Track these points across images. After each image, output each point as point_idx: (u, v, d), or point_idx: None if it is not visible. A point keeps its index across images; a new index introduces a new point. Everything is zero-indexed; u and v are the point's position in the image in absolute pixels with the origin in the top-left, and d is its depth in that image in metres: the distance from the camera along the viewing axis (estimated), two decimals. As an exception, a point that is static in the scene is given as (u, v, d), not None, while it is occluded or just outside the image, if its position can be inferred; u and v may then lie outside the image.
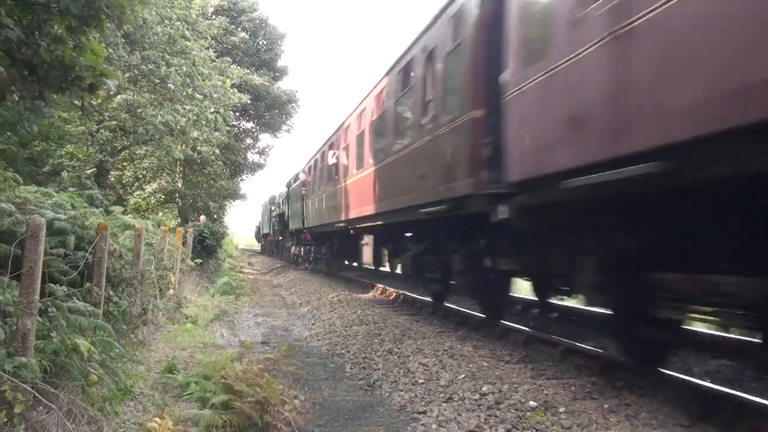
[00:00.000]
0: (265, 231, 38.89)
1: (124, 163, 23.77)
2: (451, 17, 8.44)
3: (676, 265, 4.83)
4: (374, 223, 13.05)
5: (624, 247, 5.32)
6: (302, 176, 24.30)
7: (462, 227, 8.83)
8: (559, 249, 6.52)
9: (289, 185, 28.98)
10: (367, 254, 16.03)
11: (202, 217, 22.84)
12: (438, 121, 8.76)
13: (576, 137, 5.18)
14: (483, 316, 9.64)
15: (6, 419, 3.52)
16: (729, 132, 3.52)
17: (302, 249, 26.75)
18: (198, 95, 18.07)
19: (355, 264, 19.87)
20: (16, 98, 5.99)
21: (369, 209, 12.99)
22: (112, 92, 15.75)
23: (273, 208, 35.38)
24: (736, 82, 3.48)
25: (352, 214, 14.84)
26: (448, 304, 11.22)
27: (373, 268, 18.30)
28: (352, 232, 16.57)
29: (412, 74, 10.39)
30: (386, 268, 18.03)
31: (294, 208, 26.05)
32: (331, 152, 18.03)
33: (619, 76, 4.54)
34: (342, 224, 16.24)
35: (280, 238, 33.56)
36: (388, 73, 12.05)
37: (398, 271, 15.18)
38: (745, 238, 4.16)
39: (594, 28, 4.84)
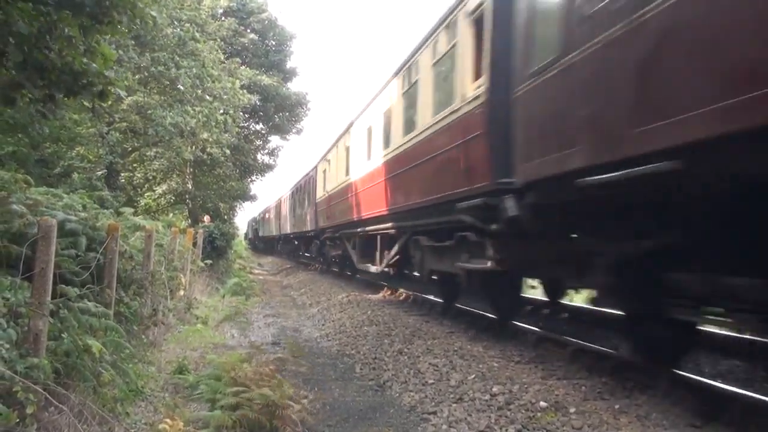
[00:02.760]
0: (250, 236, 67.87)
1: (135, 165, 23.83)
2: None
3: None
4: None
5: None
6: (264, 214, 52.37)
7: None
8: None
9: (259, 214, 58.19)
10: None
11: (207, 218, 22.88)
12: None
13: None
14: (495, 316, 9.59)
15: (18, 419, 3.54)
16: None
17: (262, 244, 56.76)
18: (208, 96, 18.11)
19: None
20: (27, 101, 6.02)
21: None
22: (123, 97, 15.82)
23: (253, 224, 65.96)
24: None
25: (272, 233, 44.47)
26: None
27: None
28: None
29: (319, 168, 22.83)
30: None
31: (261, 226, 55.15)
32: (271, 212, 44.22)
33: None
34: (273, 235, 42.84)
35: (256, 240, 61.77)
36: (303, 176, 28.12)
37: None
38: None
39: None
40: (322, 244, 22.65)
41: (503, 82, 6.79)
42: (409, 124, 10.60)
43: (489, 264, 7.48)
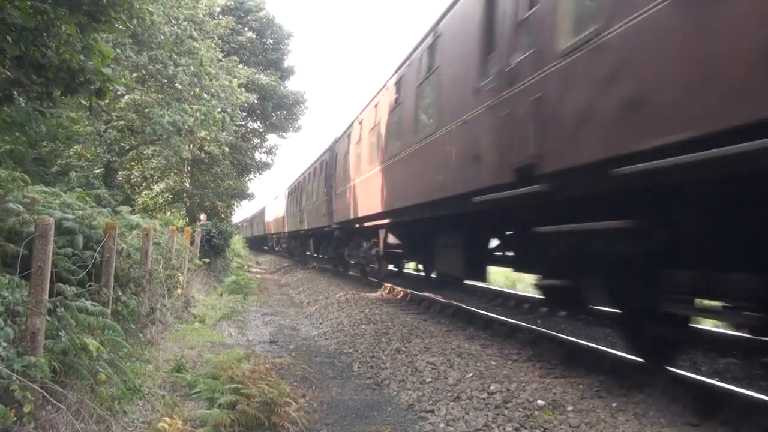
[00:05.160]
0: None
1: (132, 163, 23.82)
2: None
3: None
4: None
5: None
6: (243, 223, 70.85)
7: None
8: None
9: (240, 222, 69.80)
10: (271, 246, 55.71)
11: (203, 216, 22.89)
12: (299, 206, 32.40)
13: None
14: (490, 315, 9.68)
15: (15, 418, 3.53)
16: None
17: (246, 242, 65.08)
18: (205, 95, 18.09)
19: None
20: (24, 100, 6.01)
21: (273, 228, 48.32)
22: (120, 93, 15.81)
23: (236, 229, 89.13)
24: None
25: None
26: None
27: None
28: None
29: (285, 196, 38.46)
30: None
31: (240, 231, 61.67)
32: (247, 222, 71.64)
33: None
34: (249, 236, 63.75)
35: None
36: (277, 197, 43.77)
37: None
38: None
39: None
40: (270, 240, 49.55)
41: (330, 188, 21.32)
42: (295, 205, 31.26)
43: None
